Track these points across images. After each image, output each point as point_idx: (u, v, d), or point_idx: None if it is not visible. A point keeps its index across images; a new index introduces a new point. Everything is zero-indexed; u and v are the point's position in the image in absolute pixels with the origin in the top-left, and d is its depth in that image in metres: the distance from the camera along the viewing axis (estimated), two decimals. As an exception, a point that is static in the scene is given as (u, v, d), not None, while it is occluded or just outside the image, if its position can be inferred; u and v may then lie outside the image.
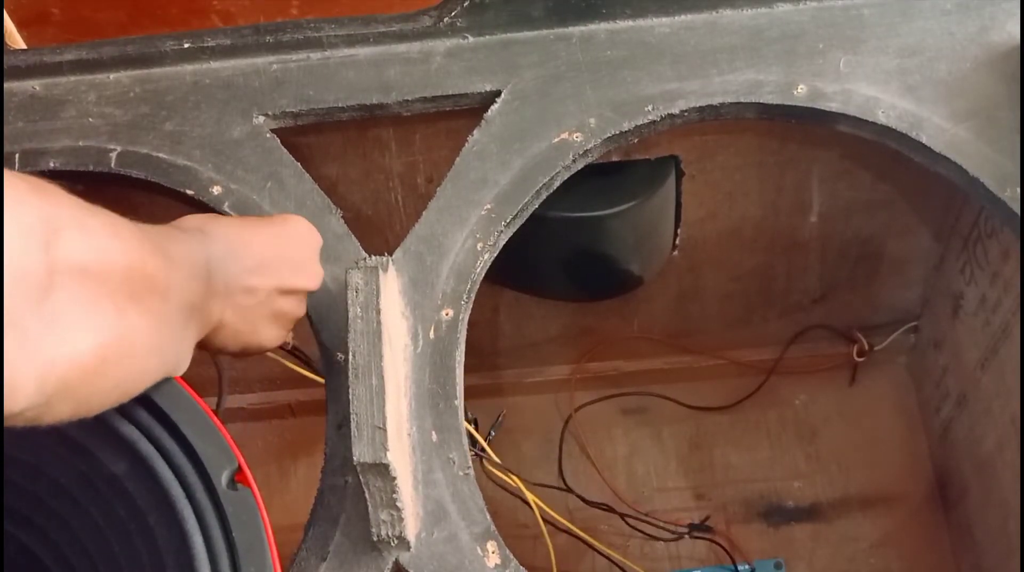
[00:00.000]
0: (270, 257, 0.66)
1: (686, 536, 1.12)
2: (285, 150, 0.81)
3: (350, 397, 0.63)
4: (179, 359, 0.60)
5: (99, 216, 0.52)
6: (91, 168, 0.80)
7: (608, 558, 1.07)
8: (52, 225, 0.47)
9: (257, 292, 0.65)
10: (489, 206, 0.77)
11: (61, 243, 0.48)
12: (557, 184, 0.79)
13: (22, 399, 0.46)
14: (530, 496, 0.84)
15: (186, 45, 0.84)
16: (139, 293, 0.53)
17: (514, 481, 0.83)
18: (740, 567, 1.11)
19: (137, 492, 0.61)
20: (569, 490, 1.13)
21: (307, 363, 0.78)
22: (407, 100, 0.82)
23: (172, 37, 0.84)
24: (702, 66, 0.81)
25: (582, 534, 0.96)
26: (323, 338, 0.73)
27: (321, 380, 0.73)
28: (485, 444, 0.84)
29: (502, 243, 0.77)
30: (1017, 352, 0.92)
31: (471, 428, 0.79)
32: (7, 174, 0.47)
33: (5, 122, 0.83)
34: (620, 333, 1.18)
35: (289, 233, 0.69)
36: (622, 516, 1.10)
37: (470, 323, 0.74)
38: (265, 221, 0.70)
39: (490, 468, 0.86)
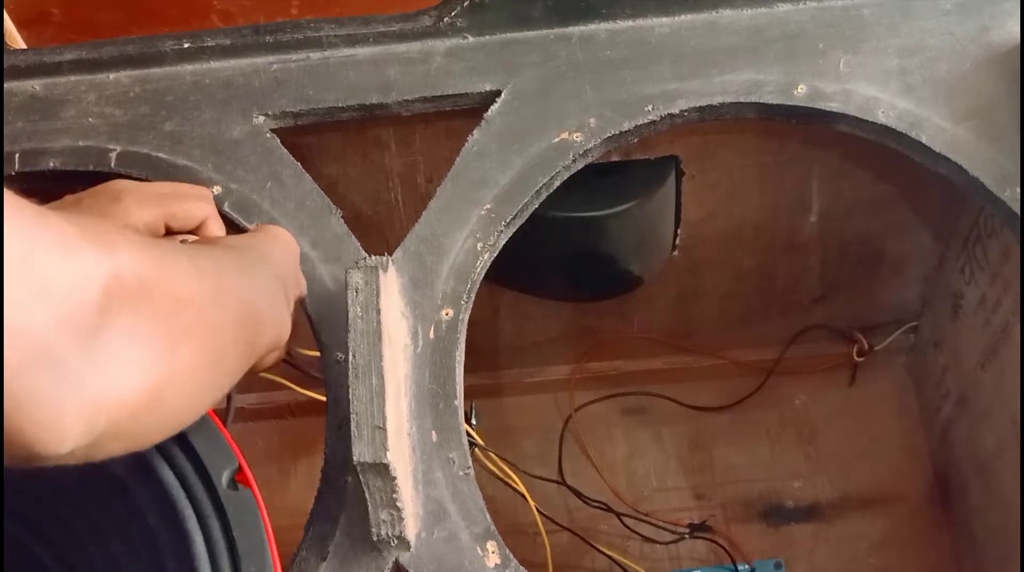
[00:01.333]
0: (291, 270, 0.67)
1: (686, 536, 1.12)
2: (285, 150, 0.80)
3: (350, 397, 0.63)
4: (230, 387, 0.59)
5: (152, 249, 0.51)
6: (91, 168, 0.80)
7: (609, 557, 1.07)
8: (107, 262, 0.46)
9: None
10: (489, 206, 0.77)
11: (114, 280, 0.46)
12: (557, 184, 0.79)
13: (70, 441, 0.45)
14: (531, 501, 0.83)
15: (186, 45, 0.84)
16: (193, 329, 0.52)
17: (502, 469, 0.83)
18: (740, 567, 1.11)
19: (138, 492, 0.61)
20: (563, 483, 1.13)
21: (299, 369, 0.78)
22: (407, 100, 0.82)
23: (172, 37, 0.84)
24: (702, 66, 0.81)
25: (579, 532, 0.96)
26: (323, 338, 0.73)
27: (310, 393, 0.74)
28: (472, 432, 0.84)
29: (502, 243, 0.77)
30: (1017, 352, 0.92)
31: (469, 430, 0.79)
32: (62, 218, 0.45)
33: (5, 122, 0.83)
34: (620, 333, 1.18)
35: (285, 242, 0.70)
36: (619, 515, 1.10)
37: (470, 323, 0.74)
38: (260, 232, 0.71)
39: (482, 456, 0.86)
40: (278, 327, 0.64)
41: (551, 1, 0.83)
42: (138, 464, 0.61)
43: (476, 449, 0.85)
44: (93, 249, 0.46)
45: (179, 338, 0.51)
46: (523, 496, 0.86)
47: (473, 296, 0.74)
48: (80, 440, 0.46)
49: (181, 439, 0.62)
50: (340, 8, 1.14)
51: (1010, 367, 0.94)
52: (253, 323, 0.60)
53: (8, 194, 0.42)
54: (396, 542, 0.65)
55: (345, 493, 0.68)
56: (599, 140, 0.79)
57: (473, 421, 0.95)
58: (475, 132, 0.79)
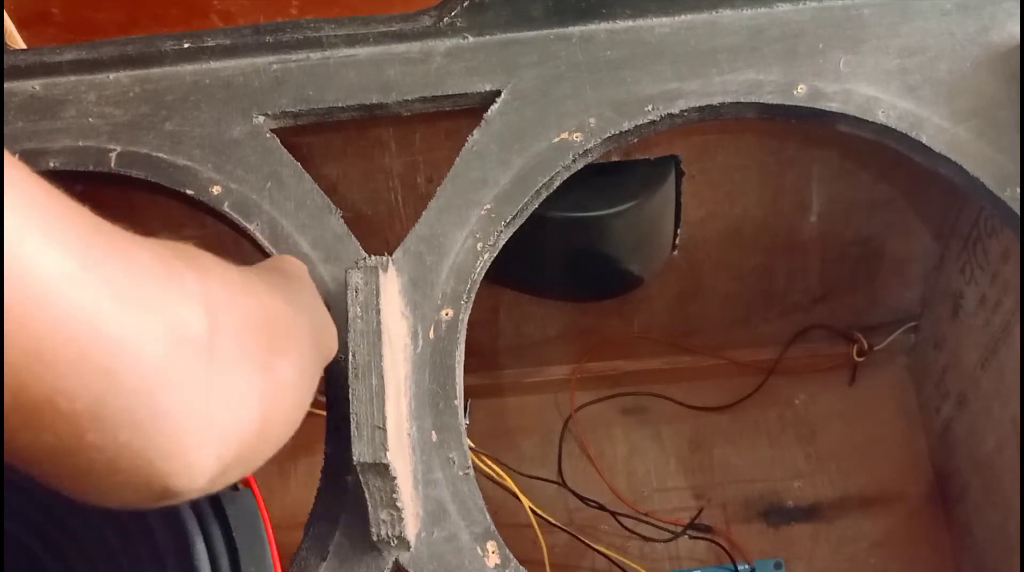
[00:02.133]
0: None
1: (685, 536, 1.12)
2: (285, 150, 0.80)
3: (350, 397, 0.63)
4: (312, 398, 0.58)
5: (233, 271, 0.51)
6: (91, 168, 0.80)
7: (607, 558, 1.07)
8: (204, 283, 0.45)
9: None
10: (489, 206, 0.77)
11: (214, 301, 0.45)
12: (557, 184, 0.79)
13: (205, 475, 0.44)
14: (526, 502, 0.83)
15: (186, 45, 0.84)
16: (282, 347, 0.51)
17: (497, 472, 0.83)
18: (740, 567, 1.11)
19: None
20: (563, 484, 1.13)
21: None
22: (407, 100, 0.82)
23: (172, 37, 0.84)
24: (702, 66, 0.81)
25: (577, 533, 0.96)
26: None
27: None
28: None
29: (502, 243, 0.77)
30: (1017, 352, 0.92)
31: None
32: (150, 240, 0.44)
33: (5, 122, 0.83)
34: (620, 333, 1.18)
35: (302, 265, 0.71)
36: (614, 515, 1.10)
37: (470, 323, 0.74)
38: (275, 259, 0.71)
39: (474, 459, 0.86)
40: (335, 336, 0.65)
41: (551, 1, 0.83)
42: None
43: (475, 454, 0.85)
44: (190, 272, 0.45)
45: (276, 354, 0.50)
46: (524, 496, 0.86)
47: (473, 296, 0.74)
48: (213, 475, 0.44)
49: None
50: (340, 8, 1.14)
51: (1010, 367, 0.94)
52: (321, 333, 0.61)
53: (98, 221, 0.42)
54: (396, 542, 0.65)
55: (345, 493, 0.68)
56: (599, 140, 0.79)
57: (466, 421, 0.95)
58: (475, 132, 0.80)
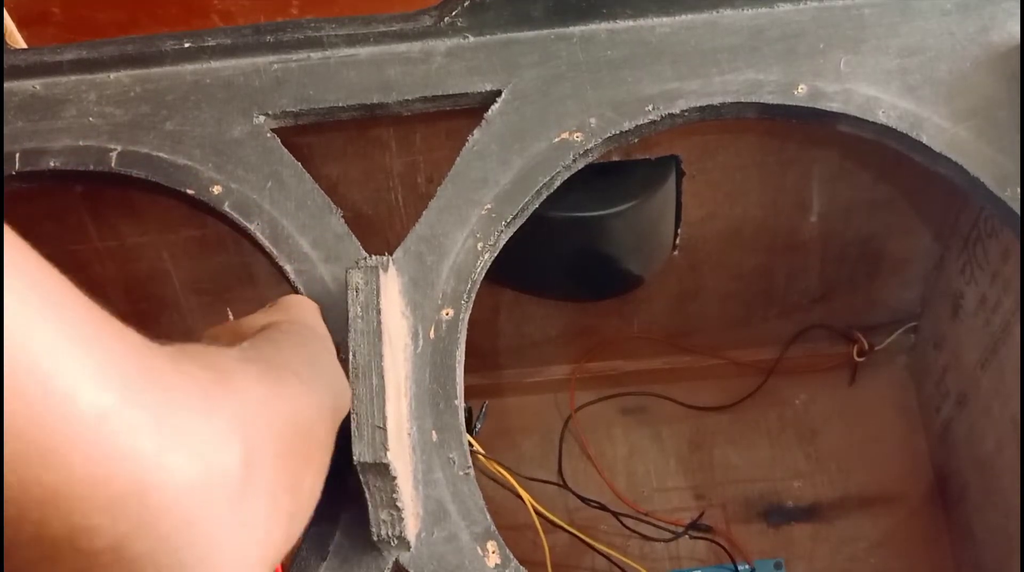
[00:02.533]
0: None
1: (685, 536, 1.12)
2: (285, 150, 0.80)
3: (350, 396, 0.63)
4: None
5: (266, 374, 0.49)
6: (91, 168, 0.80)
7: (607, 558, 1.07)
8: (240, 413, 0.43)
9: None
10: (489, 206, 0.77)
11: (251, 430, 0.43)
12: (557, 184, 0.79)
13: None
14: (526, 496, 0.83)
15: (186, 45, 0.84)
16: (310, 456, 0.51)
17: (502, 473, 0.83)
18: (740, 567, 1.11)
19: None
20: (564, 486, 1.13)
21: None
22: (407, 100, 0.82)
23: (172, 37, 0.84)
24: (702, 66, 0.81)
25: (578, 532, 0.96)
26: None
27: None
28: (472, 440, 0.84)
29: (502, 243, 0.77)
30: (1017, 352, 0.92)
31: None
32: (187, 359, 0.42)
33: (5, 122, 0.83)
34: (620, 333, 1.18)
35: (312, 307, 0.69)
36: (615, 515, 1.10)
37: (470, 323, 0.74)
38: (285, 303, 0.69)
39: (483, 462, 0.86)
40: (347, 395, 0.63)
41: (552, 1, 0.83)
42: None
43: (479, 457, 0.84)
44: (224, 395, 0.43)
45: (304, 467, 0.50)
46: (521, 497, 0.86)
47: (473, 296, 0.74)
48: None
49: None
50: (341, 8, 1.14)
51: (1010, 367, 0.94)
52: (340, 399, 0.60)
53: (127, 334, 0.40)
54: (396, 542, 0.65)
55: (345, 493, 0.68)
56: (599, 140, 0.79)
57: (477, 425, 0.94)
58: (475, 132, 0.80)
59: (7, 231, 0.35)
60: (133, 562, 0.38)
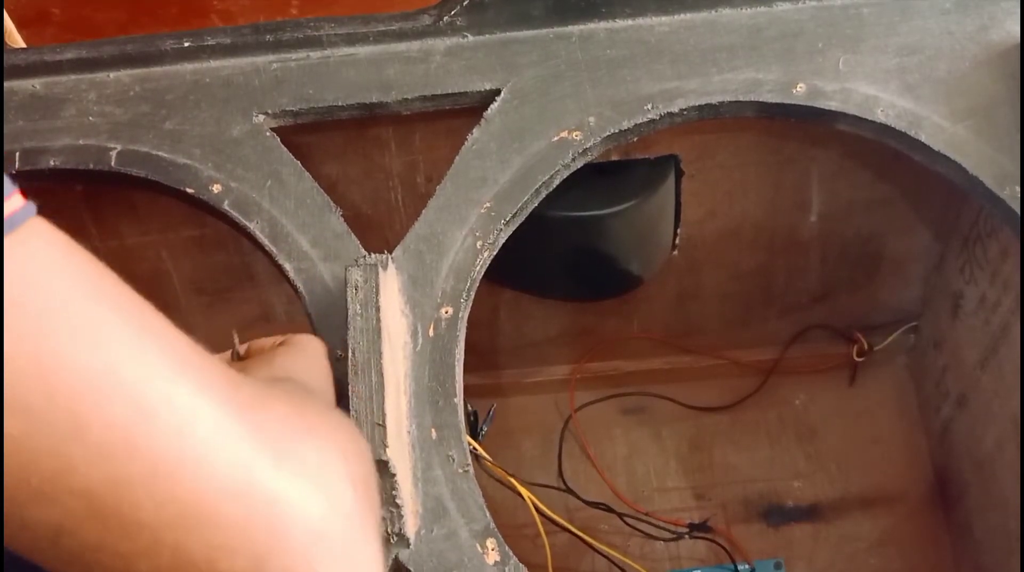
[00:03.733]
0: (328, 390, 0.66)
1: (686, 536, 1.12)
2: (285, 149, 0.81)
3: (349, 394, 0.63)
4: None
5: (339, 419, 0.51)
6: (91, 167, 0.80)
7: (608, 558, 1.07)
8: (341, 444, 0.46)
9: None
10: (489, 204, 0.77)
11: (351, 464, 0.46)
12: (557, 183, 0.79)
13: None
14: (526, 493, 0.83)
15: (186, 44, 0.84)
16: (373, 498, 0.52)
17: (509, 480, 0.83)
18: (740, 567, 1.11)
19: None
20: (568, 490, 1.13)
21: None
22: (407, 99, 0.82)
23: (172, 36, 0.84)
24: (701, 65, 0.81)
25: (579, 532, 0.95)
26: (322, 336, 0.73)
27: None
28: (477, 445, 0.84)
29: (502, 241, 0.77)
30: (1017, 351, 0.92)
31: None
32: (282, 402, 0.44)
33: (5, 121, 0.83)
34: (620, 333, 1.18)
35: (316, 354, 0.68)
36: (620, 516, 1.10)
37: (470, 323, 0.74)
38: (293, 350, 0.68)
39: (489, 467, 0.86)
40: None
41: (551, 0, 0.83)
42: None
43: (482, 461, 0.84)
44: (324, 425, 0.45)
45: (372, 489, 0.51)
46: (523, 498, 0.86)
47: (473, 294, 0.74)
48: None
49: None
50: (340, 7, 1.14)
51: (1010, 366, 0.94)
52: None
53: (229, 369, 0.41)
54: (395, 539, 0.65)
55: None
56: (599, 139, 0.79)
57: (483, 429, 0.94)
58: (475, 131, 0.80)
59: (116, 280, 0.38)
60: None
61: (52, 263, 0.36)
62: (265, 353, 0.66)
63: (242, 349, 0.69)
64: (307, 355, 0.66)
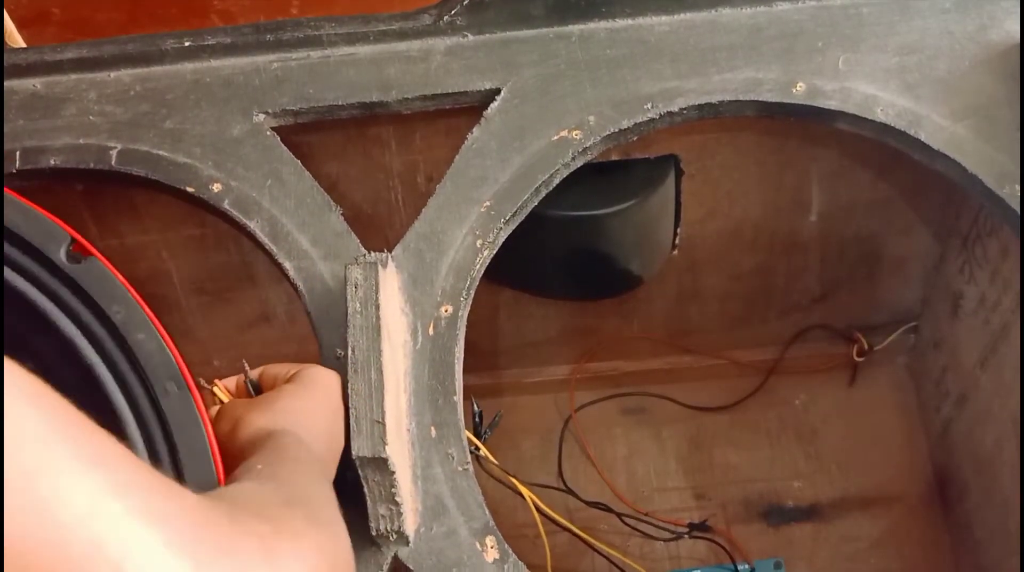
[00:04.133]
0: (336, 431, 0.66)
1: (686, 536, 1.12)
2: (285, 148, 0.81)
3: (349, 392, 0.63)
4: None
5: (314, 524, 0.51)
6: (91, 166, 0.81)
7: (607, 558, 1.07)
8: (306, 562, 0.46)
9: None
10: (488, 203, 0.77)
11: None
12: (556, 182, 0.79)
13: None
14: (527, 493, 0.83)
15: (187, 44, 0.84)
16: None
17: (514, 483, 0.83)
18: (740, 567, 1.11)
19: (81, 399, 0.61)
20: (568, 490, 1.13)
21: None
22: (407, 98, 0.82)
23: (173, 36, 0.84)
24: (701, 64, 0.81)
25: (579, 532, 0.96)
26: (322, 334, 0.73)
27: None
28: (481, 444, 0.84)
29: (501, 240, 0.77)
30: (1017, 351, 0.92)
31: (470, 435, 0.78)
32: (252, 517, 0.44)
33: (6, 120, 0.83)
34: (620, 333, 1.18)
35: (326, 393, 0.66)
36: (620, 516, 1.10)
37: (470, 323, 0.74)
38: (303, 388, 0.66)
39: (490, 468, 0.86)
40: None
41: (551, 0, 0.83)
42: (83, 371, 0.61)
43: (483, 462, 0.84)
44: (289, 550, 0.45)
45: None
46: (523, 497, 0.86)
47: (472, 293, 0.75)
48: None
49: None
50: (340, 7, 1.14)
51: (1009, 366, 0.94)
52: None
53: (196, 499, 0.41)
54: (395, 537, 0.65)
55: (344, 488, 0.68)
56: (598, 138, 0.79)
57: (487, 432, 0.94)
58: (475, 130, 0.80)
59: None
60: None
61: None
62: (271, 393, 0.65)
63: (255, 374, 0.68)
64: (314, 396, 0.65)
